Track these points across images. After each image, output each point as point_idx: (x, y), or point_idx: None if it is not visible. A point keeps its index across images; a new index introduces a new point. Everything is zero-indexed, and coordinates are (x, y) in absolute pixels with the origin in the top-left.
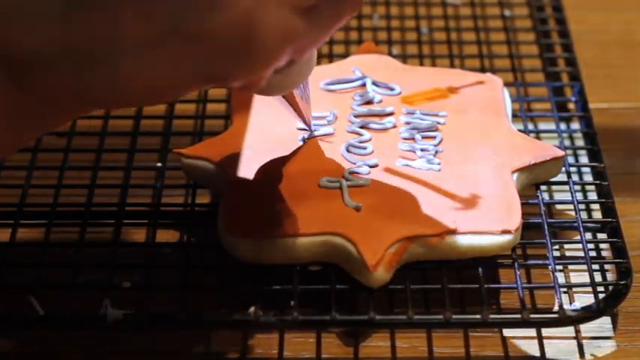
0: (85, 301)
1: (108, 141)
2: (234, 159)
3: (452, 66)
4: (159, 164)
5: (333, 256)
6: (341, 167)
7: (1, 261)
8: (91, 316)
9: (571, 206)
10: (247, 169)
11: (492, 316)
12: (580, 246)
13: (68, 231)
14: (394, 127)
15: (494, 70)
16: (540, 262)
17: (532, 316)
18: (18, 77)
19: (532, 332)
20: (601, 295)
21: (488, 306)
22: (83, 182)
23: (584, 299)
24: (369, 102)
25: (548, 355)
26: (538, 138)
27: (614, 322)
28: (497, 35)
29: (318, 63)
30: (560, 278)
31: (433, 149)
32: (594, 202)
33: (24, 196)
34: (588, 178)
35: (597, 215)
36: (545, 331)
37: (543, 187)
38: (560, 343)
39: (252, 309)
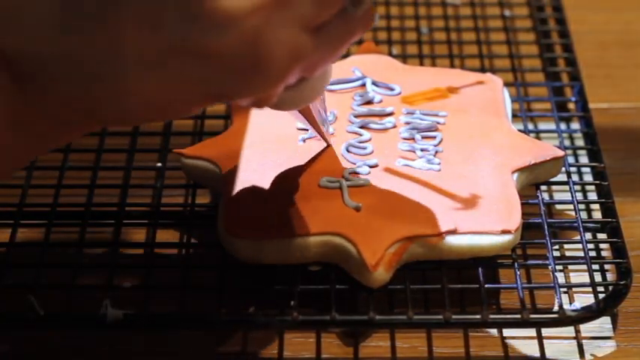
0: (85, 301)
1: (108, 141)
2: (234, 159)
3: (452, 66)
4: (159, 164)
5: (333, 256)
6: (341, 167)
7: (1, 261)
8: (91, 316)
9: (571, 206)
10: (247, 169)
11: (492, 316)
12: (580, 246)
13: (68, 231)
14: (394, 127)
15: (494, 70)
16: (540, 262)
17: (532, 316)
18: (19, 88)
19: (532, 332)
20: (601, 295)
21: (488, 306)
22: (83, 182)
23: (584, 299)
24: (369, 102)
25: (548, 355)
26: (538, 138)
27: (614, 322)
28: (497, 35)
29: None
30: (560, 278)
31: (433, 149)
32: (594, 202)
33: (24, 196)
34: (588, 178)
35: (597, 215)
36: (545, 331)
37: (543, 187)
38: (560, 343)
39: (252, 309)
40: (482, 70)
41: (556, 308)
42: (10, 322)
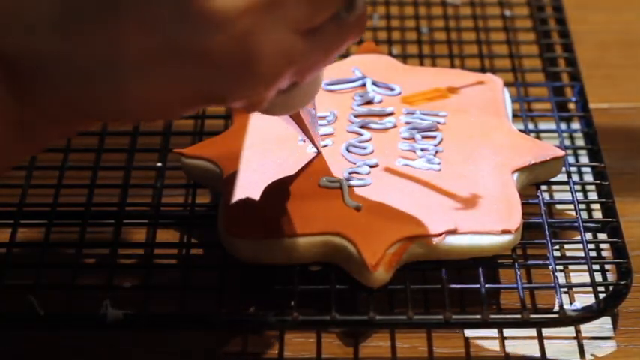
0: (85, 301)
1: (108, 141)
2: (234, 159)
3: (452, 66)
4: (159, 164)
5: (333, 256)
6: (341, 167)
7: (1, 261)
8: (91, 316)
9: (571, 206)
10: (247, 169)
11: (492, 316)
12: (580, 246)
13: (68, 231)
14: (394, 127)
15: (494, 70)
16: (540, 262)
17: (532, 316)
18: (18, 88)
19: (532, 332)
20: (601, 295)
21: (488, 306)
22: (83, 182)
23: (584, 299)
24: (369, 102)
25: (548, 355)
26: (538, 138)
27: (615, 322)
28: (498, 35)
29: None
30: (561, 278)
31: (433, 149)
32: (594, 202)
33: (24, 196)
34: (588, 178)
35: (597, 215)
36: (545, 331)
37: (543, 187)
38: (560, 343)
39: (252, 309)
40: (483, 70)
41: (556, 308)
42: (10, 322)
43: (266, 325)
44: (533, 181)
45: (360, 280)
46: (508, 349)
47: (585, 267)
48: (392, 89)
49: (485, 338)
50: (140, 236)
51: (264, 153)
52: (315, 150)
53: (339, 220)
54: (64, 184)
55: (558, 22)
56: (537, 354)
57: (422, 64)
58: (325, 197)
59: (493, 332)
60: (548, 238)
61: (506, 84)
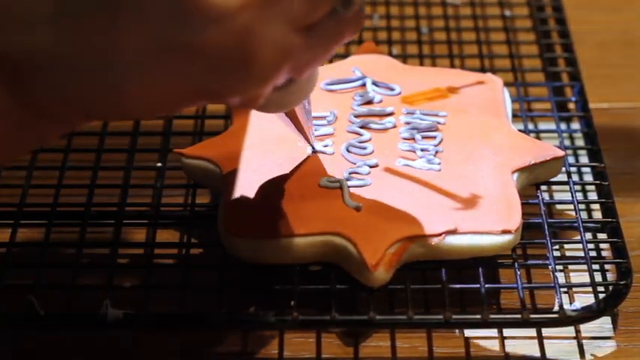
0: (85, 301)
1: (108, 141)
2: (234, 159)
3: (452, 66)
4: (159, 164)
5: (333, 256)
6: (341, 167)
7: (1, 261)
8: (91, 316)
9: (571, 206)
10: (247, 169)
11: (492, 316)
12: (580, 246)
13: (68, 231)
14: (394, 127)
15: (494, 70)
16: (540, 262)
17: (532, 316)
18: (16, 87)
19: (532, 332)
20: (601, 295)
21: (488, 306)
22: (83, 182)
23: (584, 299)
24: (369, 102)
25: (548, 355)
26: (538, 138)
27: (615, 322)
28: (498, 35)
29: None
30: (561, 278)
31: (433, 149)
32: (594, 202)
33: (24, 196)
34: (588, 178)
35: (597, 215)
36: (545, 331)
37: (543, 187)
38: (560, 343)
39: (252, 309)
40: (483, 70)
41: (556, 308)
42: (10, 322)
43: (266, 325)
44: (533, 181)
45: (360, 280)
46: (508, 349)
47: (585, 267)
48: (392, 89)
49: (485, 338)
50: (140, 236)
51: (264, 153)
52: (316, 150)
53: (339, 220)
54: (64, 184)
55: (558, 22)
56: (537, 354)
57: (422, 64)
58: (325, 197)
59: (493, 332)
60: (548, 238)
61: (506, 84)
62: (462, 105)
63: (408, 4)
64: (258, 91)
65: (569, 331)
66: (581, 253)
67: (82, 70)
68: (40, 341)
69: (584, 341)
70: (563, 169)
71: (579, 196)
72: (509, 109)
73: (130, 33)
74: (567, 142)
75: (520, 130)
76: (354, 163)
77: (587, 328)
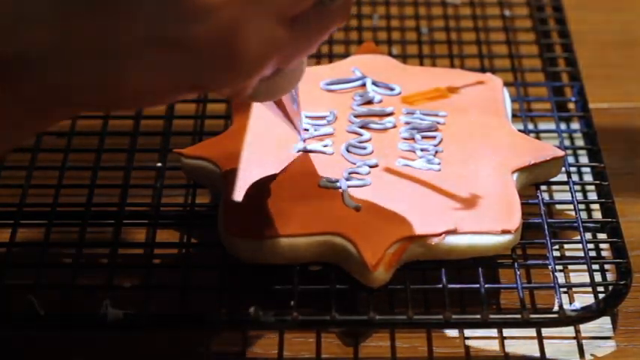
0: (85, 301)
1: (108, 141)
2: (234, 159)
3: (452, 66)
4: (159, 164)
5: (333, 256)
6: (341, 167)
7: (1, 261)
8: (91, 316)
9: (571, 206)
10: (247, 169)
11: (492, 316)
12: (580, 246)
13: (68, 231)
14: (394, 127)
15: (494, 70)
16: (540, 262)
17: (532, 316)
18: (6, 80)
19: (532, 332)
20: (601, 295)
21: (488, 306)
22: (83, 182)
23: (584, 299)
24: (369, 102)
25: (548, 355)
26: (538, 138)
27: (614, 322)
28: (497, 35)
29: (318, 63)
30: (560, 278)
31: (433, 149)
32: (594, 202)
33: (24, 196)
34: (588, 178)
35: (597, 215)
36: (545, 331)
37: (543, 187)
38: (560, 343)
39: (252, 309)
40: (483, 70)
41: (556, 308)
42: (10, 322)
43: (266, 325)
44: (533, 181)
45: (360, 280)
46: (508, 349)
47: (585, 267)
48: (392, 89)
49: (485, 338)
50: (140, 236)
51: (263, 153)
52: (315, 148)
53: (339, 220)
54: (64, 184)
55: (558, 22)
56: (537, 354)
57: (422, 64)
58: (325, 197)
59: (493, 332)
60: (547, 238)
61: (506, 84)
62: (461, 105)
63: (408, 4)
64: (245, 83)
65: (569, 331)
66: (581, 253)
67: (71, 63)
68: (40, 341)
69: (584, 341)
70: (563, 169)
71: (579, 196)
72: (509, 109)
73: (120, 26)
74: (567, 142)
75: (520, 130)
76: (354, 163)
77: (587, 328)
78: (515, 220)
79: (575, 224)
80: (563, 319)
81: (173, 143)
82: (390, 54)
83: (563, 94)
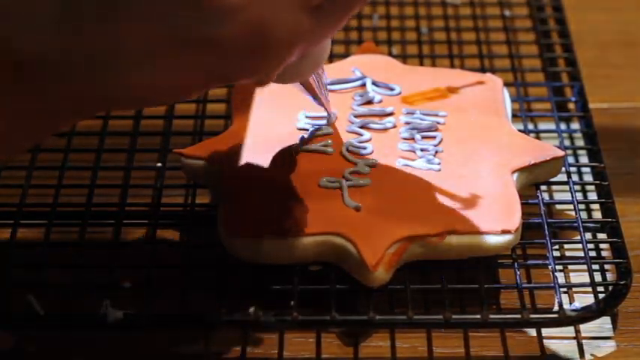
0: (85, 301)
1: (108, 141)
2: (234, 159)
3: (452, 66)
4: (159, 164)
5: (333, 256)
6: (341, 167)
7: (1, 261)
8: (91, 316)
9: (571, 206)
10: (247, 170)
11: (492, 316)
12: (580, 246)
13: (68, 231)
14: (394, 127)
15: (494, 70)
16: (540, 262)
17: (532, 316)
18: (23, 80)
19: (532, 332)
20: (601, 295)
21: (488, 306)
22: (83, 182)
23: (584, 299)
24: (369, 102)
25: (548, 355)
26: (538, 138)
27: (614, 322)
28: (497, 35)
29: None
30: (560, 278)
31: (433, 149)
32: (594, 202)
33: (24, 196)
34: (588, 178)
35: (597, 215)
36: (544, 331)
37: (543, 187)
38: (560, 343)
39: (252, 309)
40: (483, 70)
41: (556, 308)
42: (10, 322)
43: (266, 325)
44: (533, 181)
45: (360, 280)
46: (508, 349)
47: (585, 267)
48: (392, 89)
49: (485, 338)
50: (140, 236)
51: (264, 153)
52: (315, 148)
53: (339, 220)
54: (64, 184)
55: (558, 22)
56: (537, 354)
57: (422, 64)
58: (325, 197)
59: (493, 332)
60: (547, 238)
61: (506, 84)
62: (461, 105)
63: (408, 4)
64: (271, 72)
65: (569, 331)
66: (581, 253)
67: (88, 61)
68: (40, 341)
69: (584, 341)
70: (563, 169)
71: (579, 196)
72: (509, 109)
73: (142, 27)
74: (567, 142)
75: (520, 130)
76: (354, 163)
77: (587, 328)
78: (515, 220)
79: (575, 224)
80: (563, 319)
81: (173, 143)
82: (390, 54)
83: (563, 94)
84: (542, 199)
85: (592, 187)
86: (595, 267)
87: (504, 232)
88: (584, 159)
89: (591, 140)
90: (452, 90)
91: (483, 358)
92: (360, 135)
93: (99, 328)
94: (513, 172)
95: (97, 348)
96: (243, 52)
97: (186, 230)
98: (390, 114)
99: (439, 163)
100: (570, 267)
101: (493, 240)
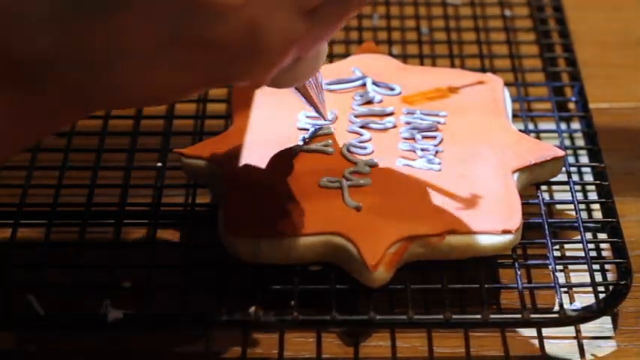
0: (85, 301)
1: (108, 141)
2: (234, 159)
3: (452, 66)
4: (159, 164)
5: (333, 256)
6: (341, 167)
7: (1, 261)
8: (91, 316)
9: (571, 206)
10: (247, 169)
11: (492, 316)
12: (580, 246)
13: (68, 231)
14: (394, 127)
15: (494, 70)
16: (540, 262)
17: (532, 316)
18: (22, 80)
19: (532, 332)
20: (601, 295)
21: (488, 306)
22: (83, 182)
23: (584, 299)
24: (369, 102)
25: (548, 355)
26: (538, 138)
27: (615, 322)
28: (498, 35)
29: None
30: (561, 278)
31: (433, 149)
32: (594, 202)
33: (24, 196)
34: (588, 178)
35: (597, 215)
36: (545, 331)
37: (543, 187)
38: (560, 343)
39: (252, 309)
40: (483, 70)
41: (556, 308)
42: (10, 322)
43: (266, 325)
44: (533, 181)
45: (360, 280)
46: (508, 349)
47: (585, 267)
48: (392, 89)
49: (485, 338)
50: (140, 236)
51: (263, 153)
52: (315, 148)
53: (339, 220)
54: (64, 184)
55: (558, 22)
56: (537, 354)
57: (422, 64)
58: (325, 197)
59: (493, 332)
60: (548, 238)
61: (506, 84)
62: (462, 105)
63: (408, 4)
64: (266, 75)
65: (569, 331)
66: (582, 253)
67: (86, 61)
68: (40, 341)
69: (584, 341)
70: (564, 169)
71: (579, 196)
72: (510, 109)
73: (139, 28)
74: (567, 142)
75: (520, 130)
76: (354, 163)
77: (587, 328)
78: (515, 220)
79: (576, 224)
80: (564, 319)
81: (173, 143)
82: (390, 54)
83: (564, 94)
84: (543, 199)
85: (592, 187)
86: (595, 267)
87: (505, 232)
88: (584, 159)
89: (591, 140)
90: (452, 90)
91: (483, 358)
92: (361, 135)
93: (99, 328)
94: (514, 172)
95: (97, 348)
96: (237, 52)
97: (186, 230)
98: (391, 114)
99: (439, 163)
100: (571, 267)
101: (493, 240)
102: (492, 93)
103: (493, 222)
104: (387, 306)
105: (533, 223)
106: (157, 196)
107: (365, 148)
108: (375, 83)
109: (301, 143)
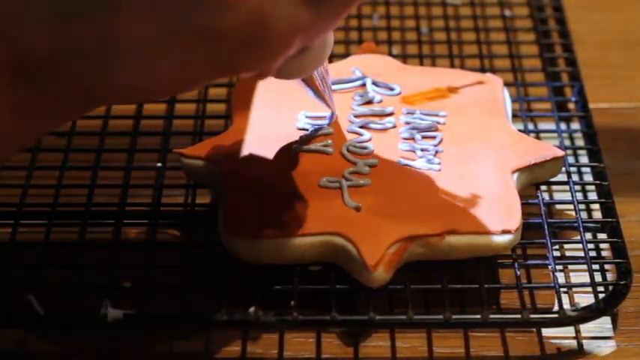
0: (85, 301)
1: (108, 141)
2: (233, 159)
3: (452, 66)
4: (159, 164)
5: (333, 256)
6: (341, 167)
7: (1, 261)
8: (91, 316)
9: (571, 206)
10: (247, 169)
11: (492, 316)
12: (580, 246)
13: (68, 231)
14: (394, 127)
15: (494, 70)
16: (540, 262)
17: (532, 316)
18: (22, 80)
19: (532, 332)
20: (601, 295)
21: (488, 306)
22: (83, 182)
23: (584, 299)
24: (369, 102)
25: (548, 355)
26: (538, 138)
27: (615, 322)
28: (498, 35)
29: None
30: (560, 278)
31: (433, 149)
32: (594, 202)
33: (24, 196)
34: (588, 178)
35: (597, 215)
36: (545, 331)
37: (543, 187)
38: (560, 343)
39: (252, 309)
40: (483, 70)
41: (556, 308)
42: (10, 322)
43: (266, 325)
44: (533, 181)
45: (360, 280)
46: (508, 349)
47: (585, 267)
48: (392, 89)
49: (485, 338)
50: (140, 236)
51: (264, 152)
52: (315, 148)
53: (339, 220)
54: (64, 184)
55: (558, 22)
56: (537, 354)
57: (422, 64)
58: (325, 197)
59: (493, 332)
60: (547, 238)
61: (506, 84)
62: (461, 105)
63: (408, 4)
64: (272, 64)
65: (569, 331)
66: (581, 253)
67: (88, 55)
68: (40, 341)
69: (583, 341)
70: (563, 169)
71: (579, 196)
72: (509, 109)
73: (143, 21)
74: (567, 142)
75: (520, 130)
76: (354, 163)
77: (587, 328)
78: (515, 220)
79: (576, 224)
80: (564, 319)
81: (173, 143)
82: (390, 54)
83: (563, 94)
84: (543, 199)
85: (592, 187)
86: (595, 267)
87: (504, 232)
88: (584, 159)
89: (591, 140)
90: (452, 90)
91: (483, 358)
92: (360, 135)
93: (99, 328)
94: (513, 172)
95: (97, 348)
96: (243, 43)
97: (186, 230)
98: (390, 114)
99: (439, 163)
100: (570, 267)
101: (493, 240)
102: (492, 93)
103: (493, 222)
104: (386, 306)
105: (532, 223)
106: (157, 196)
107: (365, 148)
108: (374, 83)
109: (301, 143)
